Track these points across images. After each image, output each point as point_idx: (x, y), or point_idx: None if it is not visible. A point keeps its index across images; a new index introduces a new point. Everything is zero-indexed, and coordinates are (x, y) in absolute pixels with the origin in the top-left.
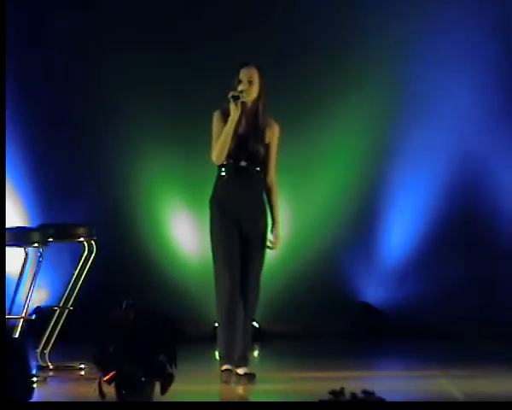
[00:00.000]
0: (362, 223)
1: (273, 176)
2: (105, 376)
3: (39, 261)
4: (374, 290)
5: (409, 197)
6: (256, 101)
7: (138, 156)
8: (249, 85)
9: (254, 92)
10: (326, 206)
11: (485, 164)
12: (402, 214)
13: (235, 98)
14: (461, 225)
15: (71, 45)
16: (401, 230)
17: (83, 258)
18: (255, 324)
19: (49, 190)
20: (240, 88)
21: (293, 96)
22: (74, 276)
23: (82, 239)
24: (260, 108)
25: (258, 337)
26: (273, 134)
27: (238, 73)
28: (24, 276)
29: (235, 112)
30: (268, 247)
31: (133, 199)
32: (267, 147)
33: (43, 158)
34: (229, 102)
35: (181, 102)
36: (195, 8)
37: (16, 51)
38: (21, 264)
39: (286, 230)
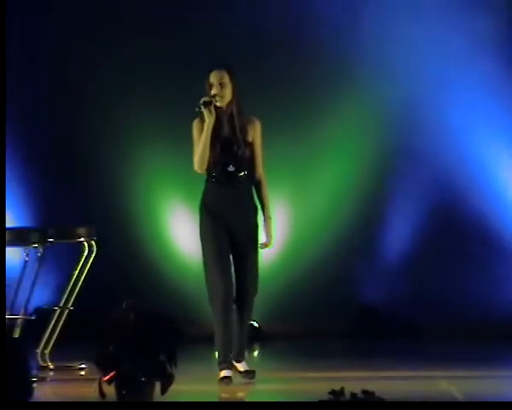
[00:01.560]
0: (362, 223)
1: (261, 172)
2: (105, 376)
3: (39, 261)
4: (374, 291)
5: (409, 198)
6: (230, 103)
7: (138, 156)
8: (221, 88)
9: (228, 94)
10: (326, 206)
11: (484, 166)
12: (402, 215)
13: (207, 104)
14: (461, 226)
15: (70, 45)
16: (401, 230)
17: (83, 258)
18: (255, 324)
19: (50, 189)
20: (212, 92)
21: (293, 96)
22: (74, 276)
23: (82, 239)
24: (235, 110)
25: (258, 337)
26: (255, 131)
27: (208, 78)
28: (24, 276)
29: (209, 118)
30: (260, 246)
31: (133, 199)
32: (251, 145)
33: (44, 158)
34: (200, 108)
35: (181, 101)
36: (195, 7)
37: (15, 49)
38: (21, 264)
39: (286, 230)
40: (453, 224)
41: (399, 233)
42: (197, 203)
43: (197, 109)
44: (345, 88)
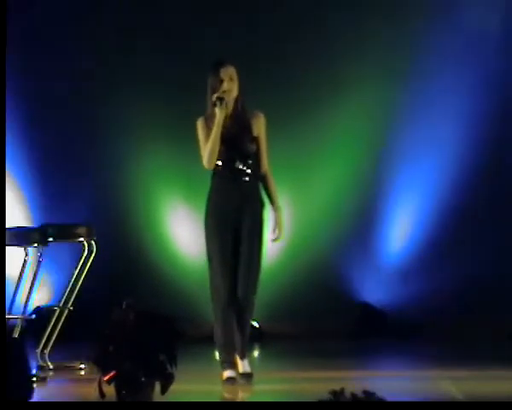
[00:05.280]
0: (362, 223)
1: (266, 165)
2: (105, 376)
3: (39, 261)
4: (374, 291)
5: (409, 197)
6: (236, 98)
7: (138, 156)
8: (232, 84)
9: (235, 90)
10: (326, 206)
11: (483, 163)
12: (403, 214)
13: (221, 100)
14: (461, 225)
15: (70, 44)
16: (402, 230)
17: (83, 258)
18: (255, 324)
19: (50, 189)
20: (223, 87)
21: (292, 94)
22: (74, 276)
23: (82, 239)
24: (240, 105)
25: (258, 337)
26: (259, 125)
27: (217, 73)
28: (24, 276)
29: (221, 114)
30: (272, 240)
31: (133, 199)
32: (256, 140)
33: (44, 157)
34: (214, 105)
35: (180, 100)
36: (194, 7)
37: (15, 48)
38: (21, 264)
39: (286, 230)
40: (454, 223)
41: (400, 233)
42: (198, 203)
43: (214, 105)
44: (347, 86)
